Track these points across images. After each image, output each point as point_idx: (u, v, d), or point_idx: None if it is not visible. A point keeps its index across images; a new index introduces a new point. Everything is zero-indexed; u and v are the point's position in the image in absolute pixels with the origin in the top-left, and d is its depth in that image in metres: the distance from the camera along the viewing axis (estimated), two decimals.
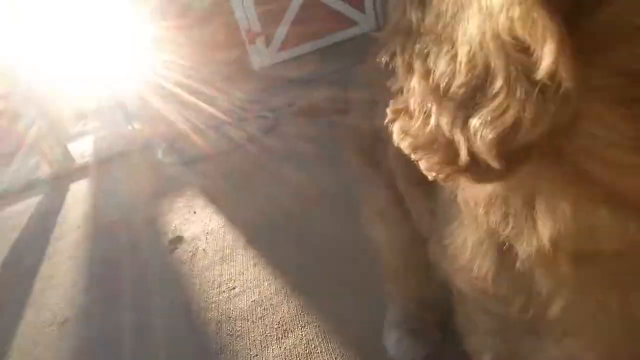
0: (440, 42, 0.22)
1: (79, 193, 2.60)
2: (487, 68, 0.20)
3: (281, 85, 3.81)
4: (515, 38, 0.18)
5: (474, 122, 0.20)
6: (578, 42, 0.17)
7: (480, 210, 0.28)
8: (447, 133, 0.22)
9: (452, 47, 0.21)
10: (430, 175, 0.25)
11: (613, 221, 0.22)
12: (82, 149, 3.90)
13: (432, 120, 0.23)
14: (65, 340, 1.23)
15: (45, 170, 3.27)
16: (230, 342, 0.99)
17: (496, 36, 0.19)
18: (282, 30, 4.34)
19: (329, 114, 2.40)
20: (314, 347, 0.90)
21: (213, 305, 1.13)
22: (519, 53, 0.18)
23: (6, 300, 1.56)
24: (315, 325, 0.95)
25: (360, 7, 4.32)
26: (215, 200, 1.83)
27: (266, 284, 1.14)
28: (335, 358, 0.85)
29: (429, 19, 0.22)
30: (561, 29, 0.17)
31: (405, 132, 0.25)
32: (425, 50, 0.22)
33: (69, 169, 3.15)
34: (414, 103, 0.24)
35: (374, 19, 4.33)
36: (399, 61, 0.25)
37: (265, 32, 4.33)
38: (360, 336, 0.88)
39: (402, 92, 0.25)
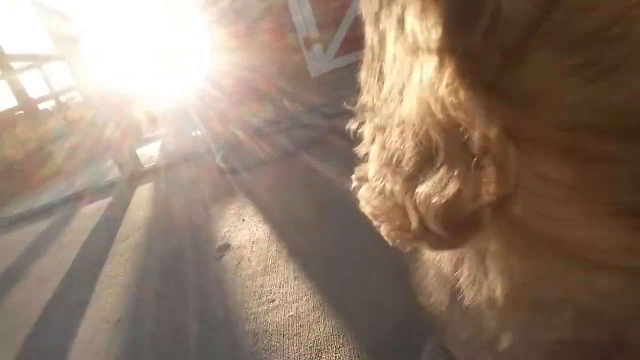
0: (391, 116, 0.23)
1: (143, 196, 2.77)
2: (430, 142, 0.20)
3: (338, 93, 3.82)
4: (448, 116, 0.19)
5: (421, 191, 0.21)
6: (507, 99, 0.18)
7: (438, 264, 0.30)
8: (399, 201, 0.23)
9: (401, 122, 0.22)
10: (390, 241, 0.26)
11: (556, 271, 0.23)
12: (150, 154, 4.19)
13: (388, 188, 0.24)
14: (117, 338, 1.30)
15: (116, 173, 3.55)
16: (265, 357, 0.98)
17: (432, 114, 0.19)
18: (339, 36, 4.34)
19: None
20: None
21: (252, 317, 1.13)
22: (454, 129, 0.19)
23: (70, 297, 1.70)
24: (350, 349, 0.91)
25: None
26: (264, 208, 1.85)
27: (304, 299, 1.12)
28: None
29: (384, 94, 0.24)
30: (488, 101, 0.18)
31: (366, 200, 0.27)
32: (382, 124, 0.24)
33: (137, 173, 3.39)
34: (372, 171, 0.26)
35: None
36: (365, 130, 0.28)
37: (322, 38, 4.35)
38: None
39: (366, 159, 0.28)
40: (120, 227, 2.31)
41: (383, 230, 0.26)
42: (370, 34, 0.27)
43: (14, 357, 1.43)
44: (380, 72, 0.25)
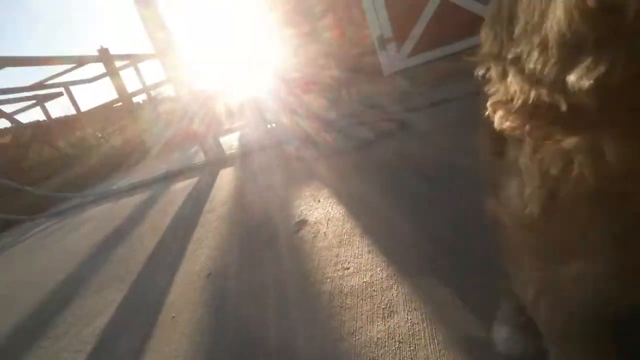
0: (531, 40, 0.28)
1: (226, 178, 3.04)
2: (577, 38, 0.25)
3: (410, 91, 3.84)
4: (597, 5, 0.23)
5: (571, 78, 0.25)
6: None
7: (544, 165, 0.35)
8: (547, 99, 0.28)
9: (542, 40, 0.27)
10: (537, 136, 0.32)
11: None
12: (230, 142, 4.53)
13: (532, 96, 0.29)
14: (208, 289, 1.49)
15: (202, 158, 3.90)
16: (339, 313, 1.09)
17: (582, 7, 0.24)
18: (415, 35, 4.33)
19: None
20: (418, 331, 0.93)
21: (328, 280, 1.25)
22: (605, 16, 0.23)
23: (167, 255, 1.95)
24: (422, 312, 0.98)
25: None
26: (338, 192, 1.97)
27: (378, 269, 1.21)
28: (438, 344, 0.87)
29: (518, 30, 0.30)
30: None
31: (507, 114, 0.32)
32: (517, 56, 0.30)
33: (220, 158, 3.70)
34: (513, 91, 0.31)
35: None
36: (493, 72, 0.33)
37: (396, 37, 4.38)
38: (466, 327, 0.88)
39: (497, 92, 0.33)
40: (207, 201, 2.58)
41: (531, 130, 0.31)
42: None
43: (123, 297, 1.69)
44: (510, 18, 0.30)
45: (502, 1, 0.32)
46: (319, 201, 1.92)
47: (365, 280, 1.19)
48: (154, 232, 2.33)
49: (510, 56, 0.31)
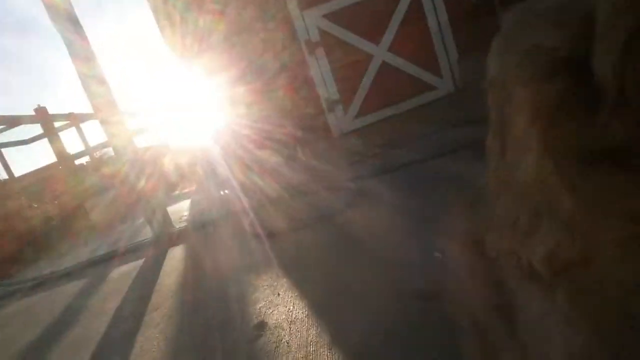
0: (510, 179, 0.30)
1: (174, 260, 2.78)
2: (537, 205, 0.26)
3: (364, 151, 3.86)
4: (545, 189, 0.25)
5: (530, 242, 0.27)
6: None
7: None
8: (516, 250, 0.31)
9: (518, 187, 0.29)
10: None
11: None
12: (180, 212, 4.27)
13: (507, 245, 0.32)
14: None
15: (149, 234, 3.60)
16: None
17: (539, 183, 0.26)
18: (359, 98, 4.47)
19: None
20: None
21: None
22: (550, 198, 0.25)
23: None
24: None
25: (437, 72, 4.31)
26: (299, 281, 1.81)
27: None
28: None
29: (506, 159, 0.31)
30: (575, 184, 0.23)
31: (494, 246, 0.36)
32: (504, 181, 0.31)
33: (168, 233, 3.43)
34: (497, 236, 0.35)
35: (452, 82, 4.28)
36: (490, 178, 0.36)
37: (342, 99, 4.48)
38: None
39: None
40: (152, 293, 2.30)
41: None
42: (495, 116, 0.31)
43: None
44: (503, 143, 0.30)
45: (497, 123, 0.32)
46: (278, 295, 1.74)
47: None
48: (88, 340, 2.00)
49: (500, 175, 0.33)
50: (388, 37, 4.15)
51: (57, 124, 7.31)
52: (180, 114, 4.89)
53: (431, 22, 4.08)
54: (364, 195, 2.68)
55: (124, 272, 2.93)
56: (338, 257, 1.95)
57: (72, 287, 3.04)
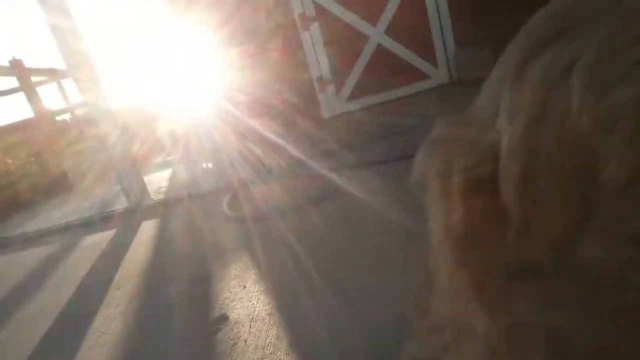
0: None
1: (146, 235, 2.71)
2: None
3: (352, 138, 3.77)
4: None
5: None
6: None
7: None
8: None
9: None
10: None
11: None
12: (158, 183, 4.16)
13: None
14: None
15: (123, 203, 3.51)
16: None
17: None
18: (352, 80, 4.33)
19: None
20: None
21: None
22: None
23: (54, 353, 1.61)
24: None
25: (433, 61, 4.18)
26: (267, 275, 1.76)
27: None
28: None
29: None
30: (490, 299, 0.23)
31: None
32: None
33: (144, 205, 3.34)
34: None
35: (447, 73, 4.16)
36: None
37: (335, 80, 4.34)
38: None
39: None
40: (119, 269, 2.24)
41: None
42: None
43: None
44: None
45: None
46: (244, 287, 1.70)
47: None
48: (45, 312, 1.94)
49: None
50: (386, 18, 3.98)
51: (35, 79, 6.99)
52: (167, 75, 4.66)
53: (430, 8, 3.92)
54: (346, 185, 2.62)
55: (93, 242, 2.86)
56: (309, 247, 1.91)
57: (39, 252, 2.96)
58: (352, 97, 4.35)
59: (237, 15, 4.26)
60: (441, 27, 3.95)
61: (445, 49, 4.02)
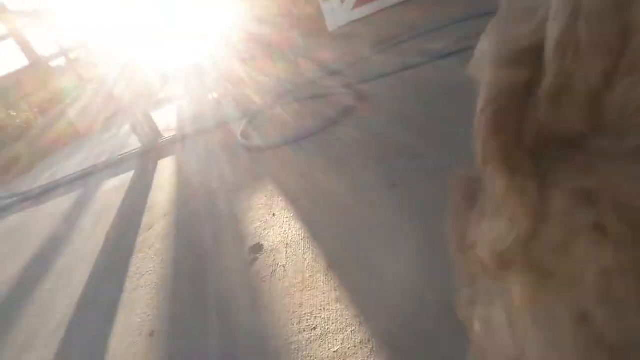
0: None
1: (165, 173, 2.68)
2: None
3: (359, 50, 3.50)
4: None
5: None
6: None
7: None
8: None
9: None
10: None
11: None
12: (166, 120, 4.05)
13: None
14: (154, 352, 1.26)
15: (136, 144, 3.45)
16: None
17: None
18: None
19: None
20: None
21: (292, 347, 1.05)
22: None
23: (100, 298, 1.66)
24: None
25: None
26: (295, 200, 1.73)
27: (349, 331, 1.02)
28: None
29: None
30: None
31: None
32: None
33: (157, 144, 3.28)
34: None
35: None
36: None
37: None
38: None
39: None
40: (144, 211, 2.25)
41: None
42: None
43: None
44: None
45: None
46: (274, 215, 1.68)
47: (335, 349, 1.00)
48: (82, 259, 2.00)
49: None
50: None
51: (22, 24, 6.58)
52: (165, 8, 4.33)
53: None
54: (362, 101, 2.47)
55: (114, 186, 2.86)
56: (332, 170, 1.84)
57: (62, 202, 3.00)
58: (359, 3, 3.97)
59: None
60: None
61: None
